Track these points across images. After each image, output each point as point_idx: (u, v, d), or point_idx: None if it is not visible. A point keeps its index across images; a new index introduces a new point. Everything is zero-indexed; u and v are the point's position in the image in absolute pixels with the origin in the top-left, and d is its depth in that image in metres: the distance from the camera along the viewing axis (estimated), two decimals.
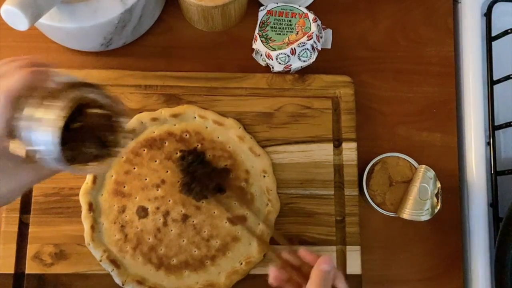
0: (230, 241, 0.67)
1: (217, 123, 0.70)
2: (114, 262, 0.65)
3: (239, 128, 0.70)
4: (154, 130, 0.70)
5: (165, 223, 0.67)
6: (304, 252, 0.57)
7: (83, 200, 0.67)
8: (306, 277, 0.54)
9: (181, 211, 0.67)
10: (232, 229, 0.68)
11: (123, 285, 0.65)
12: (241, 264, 0.66)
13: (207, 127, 0.70)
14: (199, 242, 0.67)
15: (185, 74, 0.72)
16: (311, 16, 0.72)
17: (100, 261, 0.65)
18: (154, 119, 0.69)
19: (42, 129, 0.42)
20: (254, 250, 0.67)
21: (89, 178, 0.67)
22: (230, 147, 0.70)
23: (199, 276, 0.66)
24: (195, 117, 0.71)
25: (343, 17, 0.78)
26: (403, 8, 0.79)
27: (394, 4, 0.79)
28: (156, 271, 0.66)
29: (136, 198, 0.68)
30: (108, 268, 0.65)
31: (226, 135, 0.70)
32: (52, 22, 0.64)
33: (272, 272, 0.57)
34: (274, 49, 0.71)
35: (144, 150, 0.69)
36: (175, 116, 0.70)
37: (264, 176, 0.69)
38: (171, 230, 0.67)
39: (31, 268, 0.66)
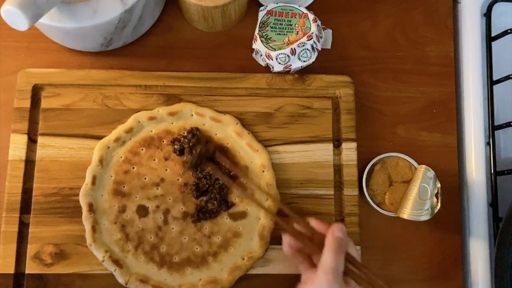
0: (232, 236, 0.67)
1: (214, 120, 0.70)
2: (117, 262, 0.65)
3: (237, 124, 0.70)
4: (152, 129, 0.70)
5: (165, 221, 0.67)
6: (315, 222, 0.59)
7: (83, 201, 0.67)
8: (318, 247, 0.56)
9: (182, 208, 0.68)
10: (233, 225, 0.68)
11: (126, 284, 0.65)
12: (243, 259, 0.66)
13: (204, 125, 0.70)
14: (200, 239, 0.67)
15: (185, 74, 0.72)
16: (311, 16, 0.72)
17: (103, 261, 0.65)
18: (152, 118, 0.70)
19: None
20: (256, 245, 0.67)
21: (88, 178, 0.67)
22: (228, 143, 0.70)
23: (202, 273, 0.66)
24: (192, 115, 0.71)
25: (343, 17, 0.78)
26: (403, 8, 0.79)
27: (394, 4, 0.79)
28: (158, 269, 0.66)
29: (136, 197, 0.68)
30: (110, 268, 0.65)
31: (224, 131, 0.70)
32: (52, 22, 0.64)
33: (286, 239, 0.59)
34: (274, 49, 0.71)
35: (142, 149, 0.69)
36: (172, 114, 0.70)
37: (263, 171, 0.69)
38: (172, 228, 0.67)
39: (31, 268, 0.66)
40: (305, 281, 0.58)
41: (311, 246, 0.58)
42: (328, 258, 0.54)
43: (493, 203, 0.71)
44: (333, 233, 0.55)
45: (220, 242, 0.67)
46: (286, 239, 0.60)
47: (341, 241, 0.55)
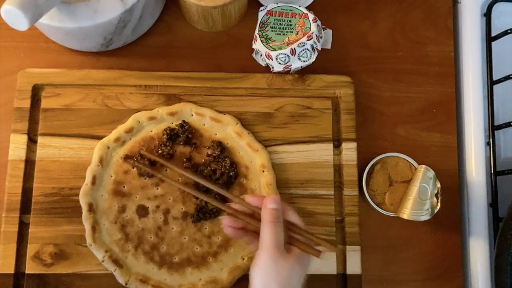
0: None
1: (214, 119, 0.70)
2: (117, 262, 0.65)
3: (237, 124, 0.70)
4: (151, 129, 0.70)
5: (165, 221, 0.67)
6: (250, 197, 0.58)
7: (83, 201, 0.67)
8: (259, 222, 0.55)
9: (182, 208, 0.68)
10: None
11: (126, 284, 0.65)
12: (243, 259, 0.66)
13: (204, 125, 0.70)
14: (200, 239, 0.67)
15: (185, 74, 0.72)
16: (311, 16, 0.72)
17: (103, 261, 0.65)
18: (152, 118, 0.70)
19: None
20: None
21: (88, 178, 0.67)
22: (228, 143, 0.70)
23: (202, 273, 0.66)
24: (192, 115, 0.71)
25: (343, 17, 0.78)
26: (403, 8, 0.79)
27: (394, 4, 0.79)
28: (158, 269, 0.66)
29: (136, 197, 0.68)
30: (110, 268, 0.65)
31: (224, 131, 0.70)
32: (52, 22, 0.64)
33: (225, 221, 0.58)
34: (274, 49, 0.71)
35: (142, 149, 0.69)
36: (172, 114, 0.70)
37: (263, 171, 0.69)
38: (172, 228, 0.67)
39: (31, 268, 0.66)
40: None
41: (253, 223, 0.57)
42: (265, 233, 0.53)
43: (493, 203, 0.71)
44: (266, 206, 0.54)
45: (220, 242, 0.67)
46: (225, 221, 0.58)
47: (276, 213, 0.54)
